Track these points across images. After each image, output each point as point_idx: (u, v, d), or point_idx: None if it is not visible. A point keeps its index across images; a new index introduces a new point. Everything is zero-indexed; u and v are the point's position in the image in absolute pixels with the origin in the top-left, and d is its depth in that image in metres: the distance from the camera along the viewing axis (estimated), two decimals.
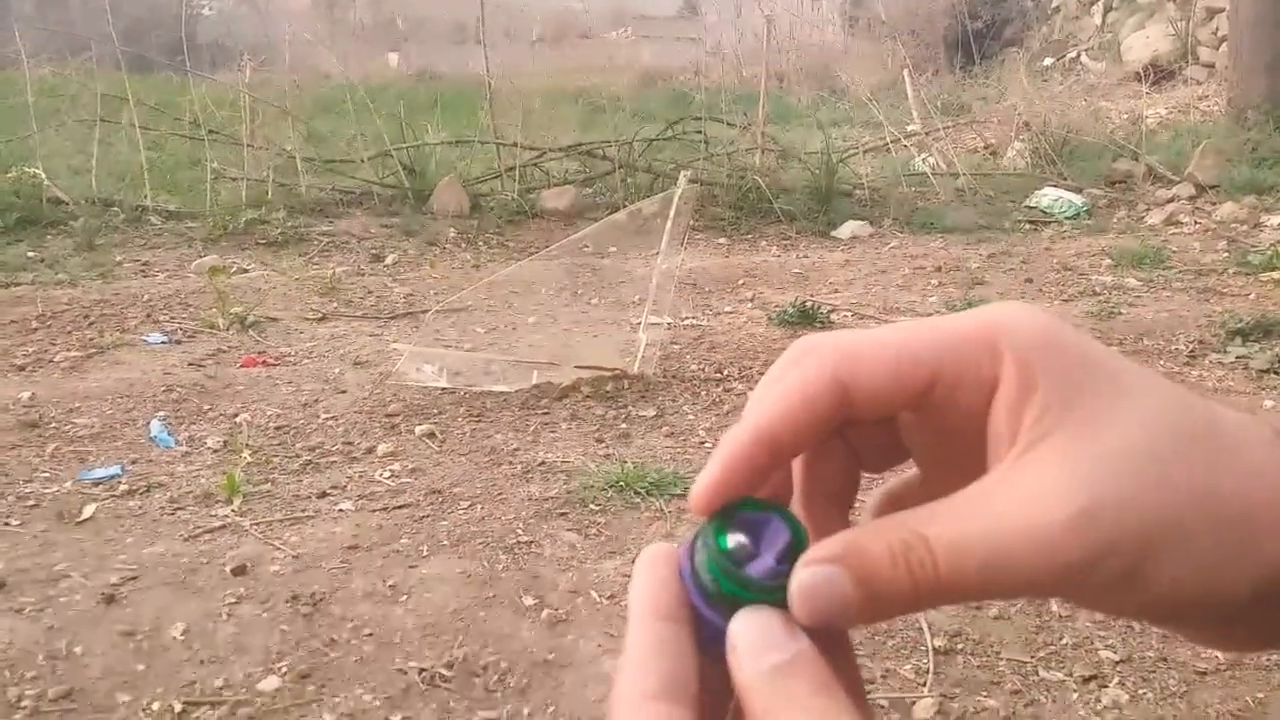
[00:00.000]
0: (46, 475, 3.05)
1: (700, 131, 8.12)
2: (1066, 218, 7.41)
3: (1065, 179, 8.13)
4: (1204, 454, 0.32)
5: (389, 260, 6.14)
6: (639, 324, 4.25)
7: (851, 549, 0.33)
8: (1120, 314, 4.84)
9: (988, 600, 0.34)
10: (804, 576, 0.32)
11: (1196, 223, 7.06)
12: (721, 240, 6.93)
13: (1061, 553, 0.31)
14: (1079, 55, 13.64)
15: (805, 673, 0.32)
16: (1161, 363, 4.18)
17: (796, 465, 0.37)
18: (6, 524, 2.71)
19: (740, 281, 5.73)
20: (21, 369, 3.99)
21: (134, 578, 2.43)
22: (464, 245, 6.63)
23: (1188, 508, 0.31)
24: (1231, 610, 0.33)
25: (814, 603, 0.32)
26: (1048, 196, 7.75)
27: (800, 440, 0.35)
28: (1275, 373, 3.98)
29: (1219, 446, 0.32)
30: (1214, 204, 7.34)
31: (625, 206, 6.87)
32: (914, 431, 0.37)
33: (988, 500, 0.32)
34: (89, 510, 2.80)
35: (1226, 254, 6.06)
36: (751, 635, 0.33)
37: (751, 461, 0.34)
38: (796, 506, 0.37)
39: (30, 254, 5.79)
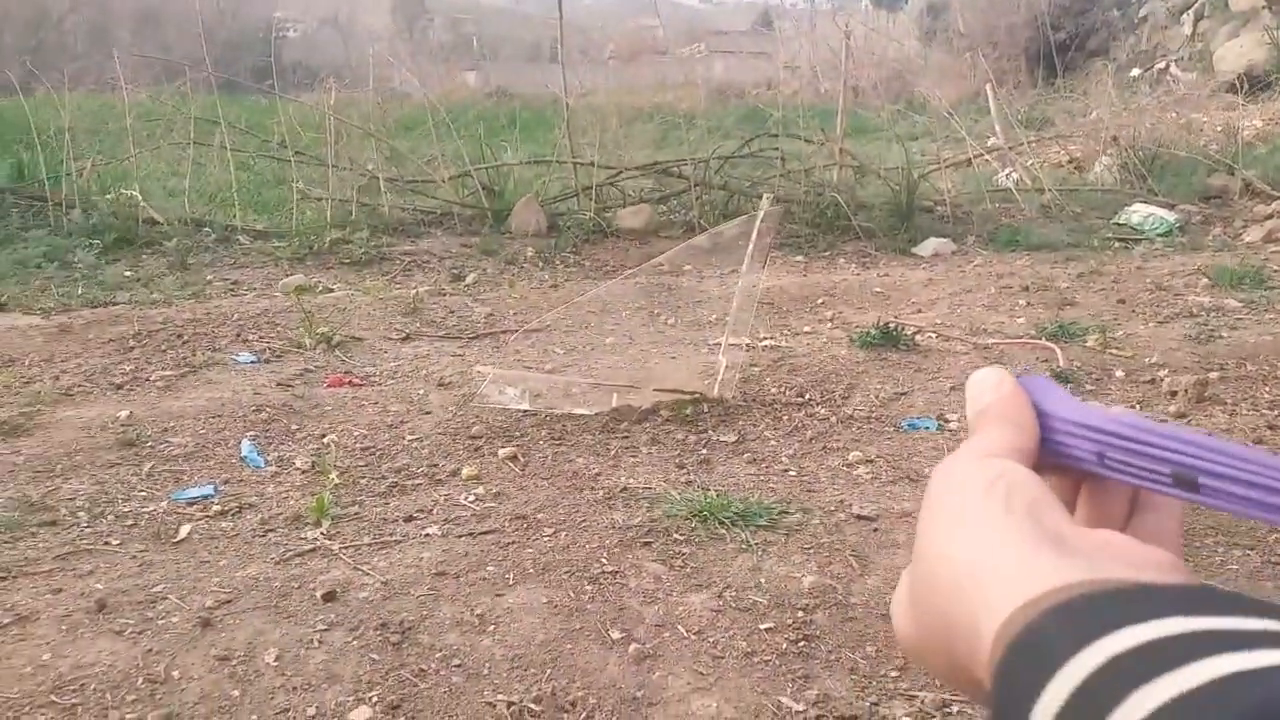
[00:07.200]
0: (144, 494, 3.13)
1: (776, 148, 8.06)
2: (1158, 235, 7.17)
3: (1156, 194, 7.88)
4: None
5: (469, 280, 6.20)
6: (717, 345, 4.22)
7: None
8: (1221, 337, 4.65)
9: None
10: None
11: None
12: (799, 258, 6.86)
13: None
14: (1168, 66, 13.23)
15: (994, 411, 0.40)
16: (1266, 389, 4.00)
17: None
18: (107, 543, 2.79)
19: (819, 300, 5.65)
20: (119, 387, 4.12)
21: (228, 601, 2.47)
22: (541, 264, 6.67)
23: None
24: None
25: None
26: (1138, 213, 7.51)
27: None
28: None
29: None
30: None
31: (701, 224, 6.87)
32: None
33: None
34: (184, 530, 2.87)
35: None
36: (971, 387, 0.42)
37: None
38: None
39: (127, 273, 6.00)
